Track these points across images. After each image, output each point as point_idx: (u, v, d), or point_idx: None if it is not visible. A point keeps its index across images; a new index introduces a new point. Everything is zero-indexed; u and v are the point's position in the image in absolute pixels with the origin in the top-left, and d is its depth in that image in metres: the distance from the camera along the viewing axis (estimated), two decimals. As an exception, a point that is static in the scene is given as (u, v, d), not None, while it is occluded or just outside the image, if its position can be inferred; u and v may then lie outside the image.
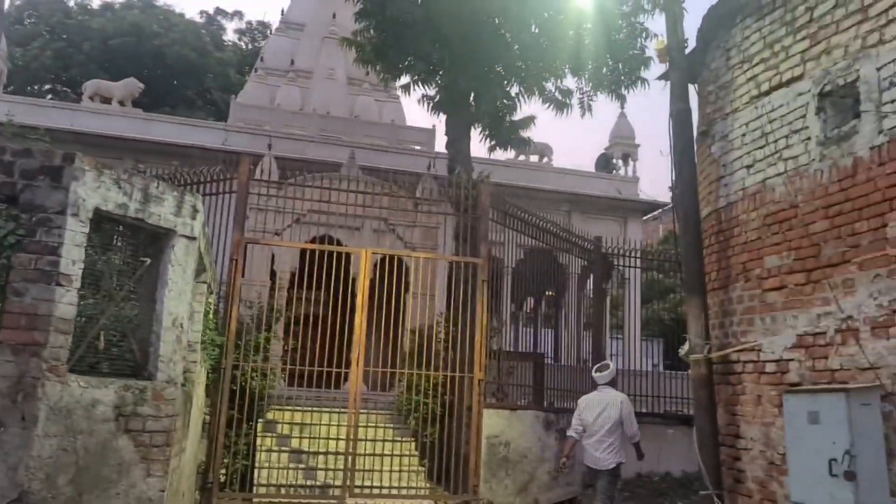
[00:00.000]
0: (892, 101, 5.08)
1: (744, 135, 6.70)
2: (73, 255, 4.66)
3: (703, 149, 7.48)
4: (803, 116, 5.95)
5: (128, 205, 5.05)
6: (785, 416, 5.34)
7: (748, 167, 6.61)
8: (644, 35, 11.82)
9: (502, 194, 11.12)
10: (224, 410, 8.53)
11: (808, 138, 5.87)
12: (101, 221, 4.95)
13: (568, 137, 57.53)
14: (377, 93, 20.02)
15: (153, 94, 25.07)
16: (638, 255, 13.87)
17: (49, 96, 31.31)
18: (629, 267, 13.99)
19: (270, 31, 36.69)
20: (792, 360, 5.82)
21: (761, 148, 6.43)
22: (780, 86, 6.27)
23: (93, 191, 4.81)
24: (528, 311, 21.16)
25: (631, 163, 20.59)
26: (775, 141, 6.26)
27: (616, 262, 14.18)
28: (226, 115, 30.70)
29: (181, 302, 5.44)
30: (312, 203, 10.62)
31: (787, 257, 5.97)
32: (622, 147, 20.24)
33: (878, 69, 5.23)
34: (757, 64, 6.59)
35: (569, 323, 14.74)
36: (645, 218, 20.26)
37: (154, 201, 5.23)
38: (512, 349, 16.20)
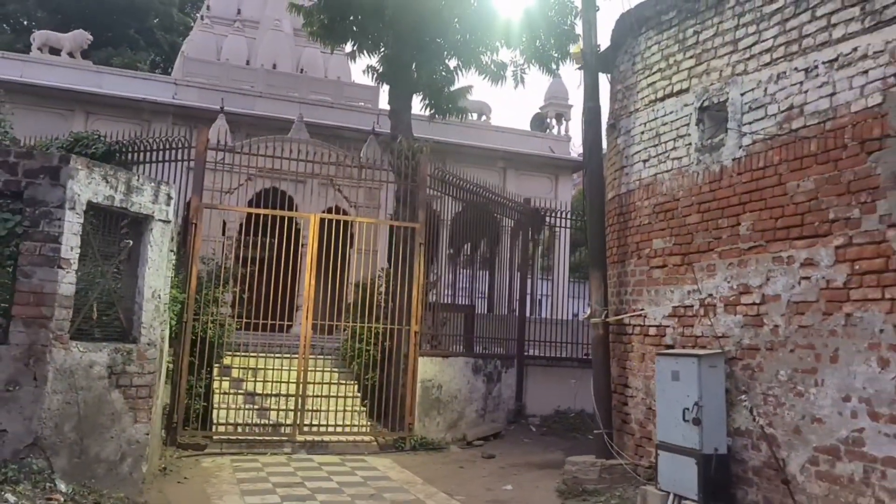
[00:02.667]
0: (750, 123, 6.26)
1: (642, 132, 7.85)
2: (71, 242, 5.57)
3: (612, 140, 8.62)
4: (687, 124, 7.11)
5: (114, 196, 5.94)
6: (656, 373, 6.67)
7: (644, 161, 7.78)
8: (574, 14, 12.74)
9: (441, 160, 12.14)
10: (186, 359, 9.52)
11: (690, 144, 7.04)
12: (93, 211, 5.84)
13: (508, 97, 58.11)
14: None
15: (94, 33, 24.75)
16: (566, 215, 15.14)
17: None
18: (558, 227, 15.21)
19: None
20: (668, 326, 7.13)
21: (655, 146, 7.60)
22: (671, 95, 7.40)
23: (85, 186, 5.69)
24: (466, 255, 22.37)
25: (564, 122, 21.80)
26: (665, 142, 7.43)
27: (547, 219, 15.38)
28: (169, 56, 30.67)
29: (159, 276, 6.40)
30: (263, 164, 11.49)
31: (669, 241, 7.21)
32: (556, 108, 21.36)
33: (742, 94, 6.40)
34: (655, 72, 7.69)
35: (501, 273, 16.03)
36: (575, 174, 21.51)
37: (136, 192, 6.13)
38: (449, 297, 17.53)
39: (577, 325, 15.01)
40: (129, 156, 10.71)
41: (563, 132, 21.82)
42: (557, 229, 16.60)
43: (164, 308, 7.74)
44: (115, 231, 6.28)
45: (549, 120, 21.76)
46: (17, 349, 5.30)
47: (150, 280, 6.27)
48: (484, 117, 21.09)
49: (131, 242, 6.22)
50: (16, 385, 5.26)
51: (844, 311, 5.15)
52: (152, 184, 6.28)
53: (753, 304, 6.03)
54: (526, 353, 13.61)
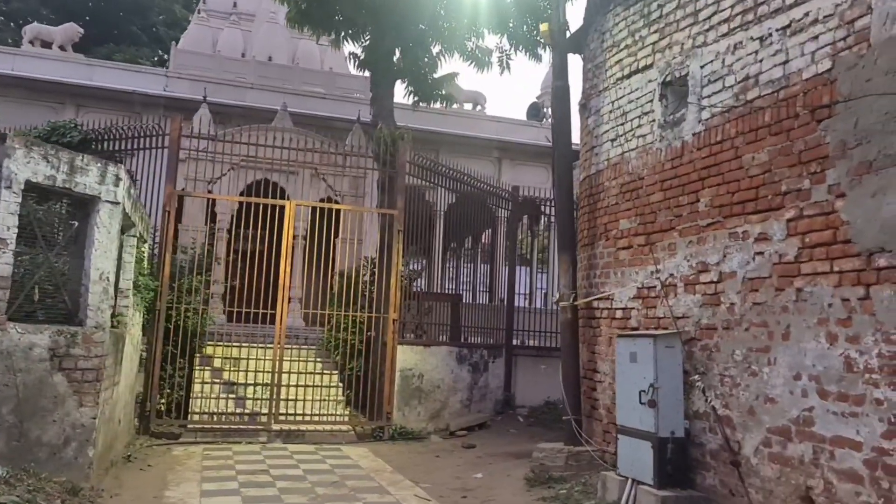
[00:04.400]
0: (710, 96, 6.07)
1: (611, 111, 7.67)
2: (7, 222, 5.48)
3: (584, 120, 8.43)
4: (651, 101, 6.92)
5: (55, 176, 5.85)
6: (616, 355, 6.49)
7: (612, 140, 7.60)
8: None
9: (434, 150, 11.99)
10: (159, 347, 9.45)
11: (654, 121, 6.85)
12: (33, 191, 5.76)
13: (505, 87, 57.88)
14: (318, 37, 20.44)
15: (97, 30, 24.93)
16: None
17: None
18: (554, 216, 15.00)
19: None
20: (633, 308, 6.94)
21: (622, 125, 7.41)
22: (637, 71, 7.21)
23: (24, 165, 5.60)
24: (459, 246, 22.25)
25: (561, 111, 21.38)
26: (631, 120, 7.24)
27: (542, 208, 15.19)
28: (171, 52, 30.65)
29: (107, 259, 6.30)
30: (247, 152, 11.42)
31: (634, 221, 7.02)
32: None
33: (702, 67, 6.20)
34: (622, 49, 7.50)
35: (494, 263, 15.90)
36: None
37: (80, 172, 6.04)
38: (439, 287, 17.41)
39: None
40: (107, 144, 10.67)
41: (560, 121, 21.44)
42: (553, 219, 16.38)
43: (126, 294, 7.70)
44: (67, 213, 6.21)
45: (545, 109, 21.53)
46: (-50, 330, 5.22)
47: (97, 262, 6.18)
48: (479, 107, 20.91)
49: (76, 223, 6.12)
50: (-52, 366, 5.19)
51: (795, 285, 4.95)
52: (98, 164, 6.19)
53: (711, 282, 5.83)
54: (515, 343, 13.44)
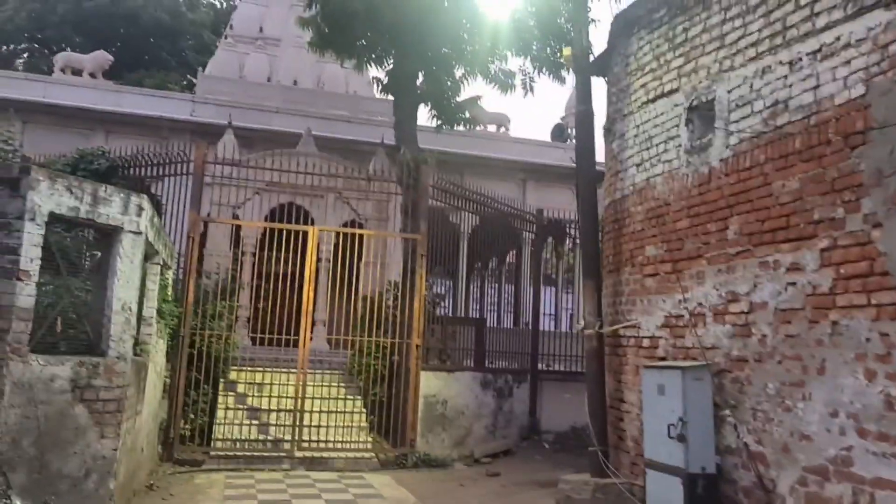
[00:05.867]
0: (737, 121, 5.93)
1: (635, 136, 7.55)
2: (31, 254, 5.48)
3: (608, 144, 8.32)
4: (676, 126, 6.79)
5: (79, 207, 5.85)
6: (642, 387, 6.32)
7: (638, 165, 7.47)
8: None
9: (458, 173, 11.95)
10: (182, 373, 9.45)
11: (680, 146, 6.72)
12: (56, 222, 5.77)
13: (529, 108, 57.85)
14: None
15: (128, 56, 25.38)
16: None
17: (25, 55, 31.48)
18: (578, 239, 14.86)
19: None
20: (661, 337, 6.78)
21: (647, 150, 7.29)
22: (662, 96, 7.09)
23: (47, 197, 5.61)
24: (483, 268, 22.14)
25: (585, 132, 21.25)
26: (657, 144, 7.11)
27: (567, 229, 15.04)
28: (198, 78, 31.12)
29: (129, 288, 6.29)
30: (272, 177, 11.47)
31: (661, 248, 6.87)
32: (576, 117, 20.89)
33: (729, 91, 6.07)
34: (647, 73, 7.39)
35: (518, 285, 15.74)
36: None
37: (103, 203, 6.04)
38: (462, 310, 17.28)
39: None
40: (133, 171, 10.76)
41: (584, 142, 21.32)
42: (578, 241, 16.21)
43: (150, 322, 7.70)
44: (90, 243, 6.23)
45: (569, 130, 21.43)
46: (-27, 363, 5.22)
47: (119, 292, 6.16)
48: (503, 129, 20.86)
49: (99, 254, 6.12)
50: (-30, 399, 5.18)
51: (830, 318, 4.78)
52: (121, 195, 6.19)
53: (741, 312, 5.67)
54: (540, 368, 13.25)
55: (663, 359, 6.65)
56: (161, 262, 8.05)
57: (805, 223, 5.06)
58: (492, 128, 20.61)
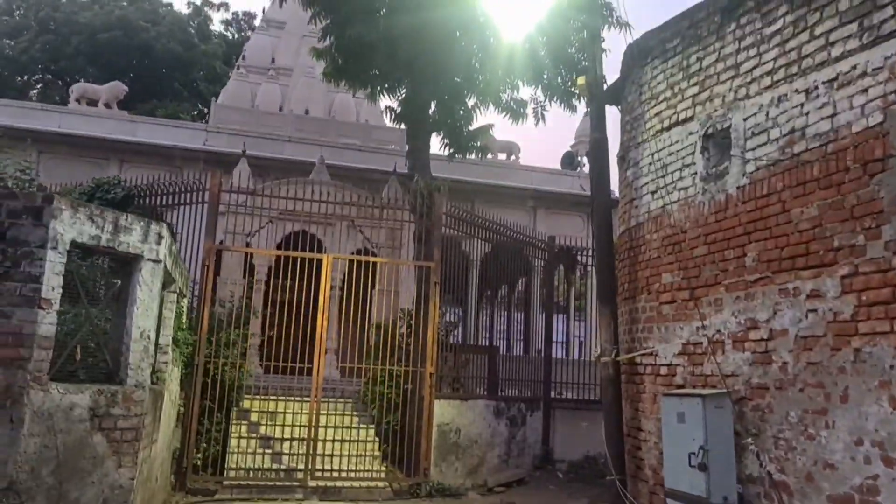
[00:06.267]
0: (754, 149, 5.96)
1: (650, 164, 7.58)
2: (52, 283, 5.52)
3: (622, 172, 8.35)
4: (692, 154, 6.82)
5: (100, 236, 5.90)
6: (662, 415, 6.28)
7: (653, 193, 7.49)
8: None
9: (469, 201, 12.00)
10: (196, 402, 9.43)
11: (695, 173, 6.75)
12: (77, 250, 5.82)
13: (539, 136, 58.22)
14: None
15: (140, 87, 25.73)
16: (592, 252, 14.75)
17: (39, 86, 31.93)
18: (591, 266, 14.85)
19: (255, 19, 37.27)
20: (679, 365, 6.74)
21: (662, 177, 7.31)
22: (676, 124, 7.13)
23: (69, 226, 5.67)
24: (494, 295, 22.12)
25: (595, 160, 21.41)
26: (672, 172, 7.14)
27: (578, 257, 15.04)
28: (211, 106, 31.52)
29: (148, 317, 6.32)
30: (285, 205, 11.55)
31: (678, 275, 6.86)
32: (586, 145, 20.83)
33: (745, 119, 6.11)
34: (661, 101, 7.44)
35: (529, 312, 15.69)
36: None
37: (123, 231, 6.09)
38: (473, 338, 17.24)
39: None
40: (149, 200, 10.85)
41: (594, 170, 21.45)
42: (591, 268, 16.20)
43: (166, 350, 7.72)
44: (107, 271, 6.27)
45: (579, 158, 21.54)
46: (-6, 391, 5.24)
47: (138, 320, 6.19)
48: (513, 157, 20.98)
49: (119, 282, 6.16)
50: (-9, 427, 5.18)
51: (853, 346, 4.75)
52: (141, 223, 6.25)
53: (761, 339, 5.64)
54: (553, 396, 13.18)
55: (681, 386, 6.61)
56: (177, 291, 8.09)
57: (825, 250, 5.06)
58: (502, 156, 20.73)
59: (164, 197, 10.85)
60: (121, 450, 5.90)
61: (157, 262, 6.40)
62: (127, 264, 6.27)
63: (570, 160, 21.66)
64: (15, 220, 5.50)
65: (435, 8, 10.34)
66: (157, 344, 7.10)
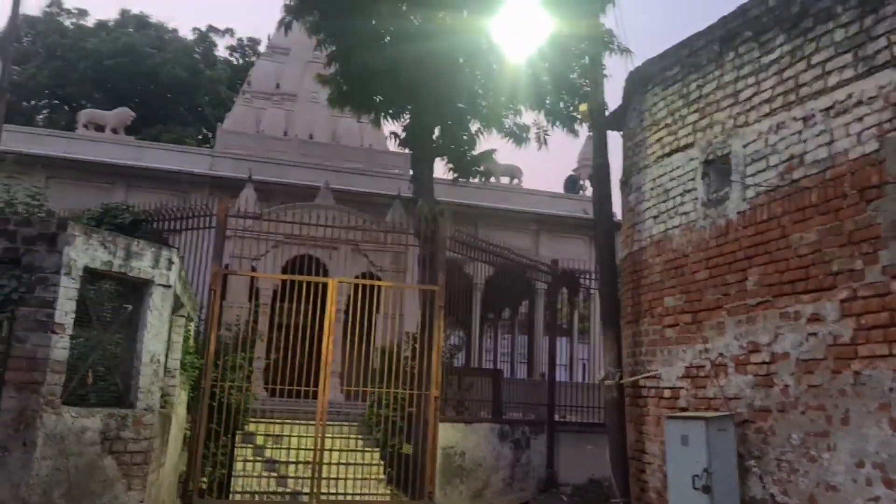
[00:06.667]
0: (754, 175, 6.08)
1: (652, 189, 7.70)
2: (65, 308, 5.63)
3: (625, 197, 8.47)
4: (693, 179, 6.94)
5: (112, 262, 6.02)
6: (665, 437, 6.34)
7: (654, 217, 7.60)
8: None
9: (472, 224, 12.12)
10: (203, 426, 9.47)
11: (697, 198, 6.86)
12: (89, 275, 5.93)
13: (540, 159, 58.66)
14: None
15: (146, 111, 26.01)
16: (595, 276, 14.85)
17: (45, 111, 32.26)
18: (593, 289, 14.95)
19: (259, 45, 37.72)
20: (682, 387, 6.81)
21: (664, 202, 7.43)
22: (678, 150, 7.26)
23: (82, 252, 5.79)
24: (497, 318, 22.16)
25: (597, 183, 21.62)
26: (674, 197, 7.25)
27: (581, 280, 15.14)
28: (216, 131, 31.86)
29: (158, 341, 6.42)
30: (291, 229, 11.68)
31: (680, 299, 6.95)
32: (588, 169, 21.15)
33: (745, 146, 6.24)
34: (662, 128, 7.58)
35: (532, 336, 15.78)
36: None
37: (135, 257, 6.21)
38: (476, 360, 17.28)
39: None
40: (156, 224, 10.98)
41: (596, 193, 21.66)
42: (593, 291, 16.29)
43: (174, 373, 7.80)
44: (118, 295, 6.37)
45: (582, 181, 21.71)
46: (8, 414, 5.32)
47: (149, 344, 6.29)
48: (516, 180, 21.15)
49: (130, 307, 6.27)
50: (4, 451, 5.26)
51: (853, 369, 4.84)
52: (152, 249, 6.37)
53: (763, 362, 5.72)
54: (557, 419, 13.20)
55: (685, 409, 6.67)
56: (185, 315, 8.19)
57: (824, 274, 5.16)
58: (504, 179, 20.90)
59: (172, 222, 10.97)
60: (130, 472, 5.97)
61: (167, 287, 6.51)
62: (137, 289, 6.38)
63: (572, 184, 21.82)
64: (30, 246, 5.63)
65: (439, 37, 10.52)
66: (166, 367, 7.18)
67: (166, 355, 7.05)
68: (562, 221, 20.03)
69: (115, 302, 6.36)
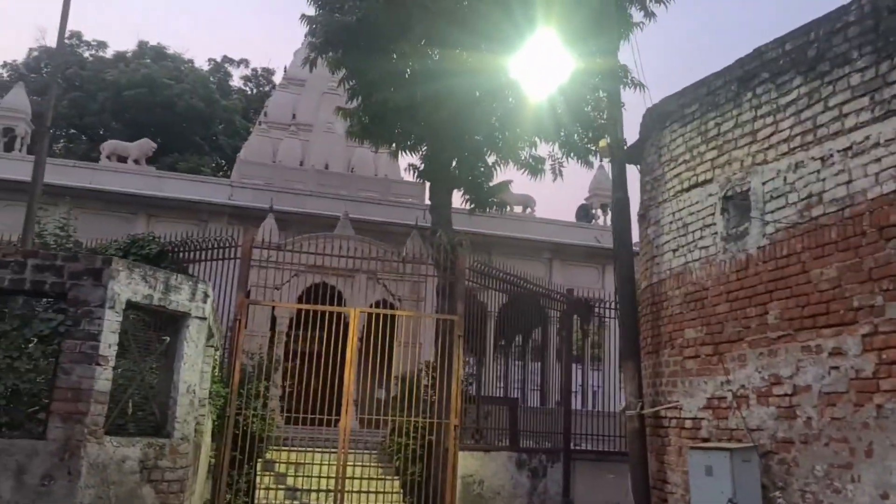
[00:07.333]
0: (773, 211, 6.26)
1: (671, 222, 7.88)
2: (109, 340, 5.84)
3: (643, 230, 8.66)
4: (712, 214, 7.13)
5: (153, 295, 6.24)
6: (689, 468, 6.46)
7: (674, 251, 7.77)
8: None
9: (486, 253, 12.31)
10: (227, 454, 9.63)
11: (716, 233, 7.04)
12: (130, 309, 6.15)
13: (553, 188, 59.09)
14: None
15: (163, 140, 26.45)
16: (615, 305, 15.00)
17: (62, 141, 32.80)
18: (607, 317, 15.08)
19: (273, 75, 38.35)
20: (703, 418, 6.94)
21: (683, 236, 7.60)
22: (696, 185, 7.45)
23: (125, 286, 6.01)
24: (509, 346, 22.26)
25: (609, 212, 21.94)
26: (693, 231, 7.43)
27: (594, 308, 15.27)
28: (231, 160, 32.35)
29: (194, 372, 6.62)
30: (313, 260, 11.91)
31: (701, 331, 7.10)
32: (601, 198, 21.61)
33: (763, 183, 6.43)
34: (680, 164, 7.78)
35: (547, 364, 15.89)
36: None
37: (173, 290, 6.43)
38: (496, 389, 17.39)
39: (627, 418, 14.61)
40: (181, 255, 11.23)
41: (608, 222, 21.95)
42: (606, 319, 16.42)
43: (203, 402, 7.98)
44: (155, 327, 6.58)
45: (594, 210, 21.95)
46: (54, 444, 5.52)
47: (185, 375, 6.49)
48: (529, 209, 21.43)
49: (168, 339, 6.47)
50: (50, 479, 5.44)
51: (875, 402, 4.98)
52: (190, 282, 6.59)
53: (785, 395, 5.86)
54: (574, 447, 13.27)
55: (706, 440, 6.80)
56: (213, 345, 8.39)
57: (845, 310, 5.32)
58: (517, 208, 21.18)
59: (197, 252, 11.22)
60: (167, 501, 6.14)
61: (202, 319, 6.72)
62: (174, 321, 6.59)
63: (584, 213, 22.08)
64: (76, 281, 5.86)
65: (459, 75, 10.83)
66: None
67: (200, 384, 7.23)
68: (574, 250, 20.24)
69: (151, 333, 6.57)
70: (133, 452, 5.96)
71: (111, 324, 5.85)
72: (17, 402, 6.01)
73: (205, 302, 6.72)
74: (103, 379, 5.76)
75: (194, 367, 6.62)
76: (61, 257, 5.93)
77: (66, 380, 5.64)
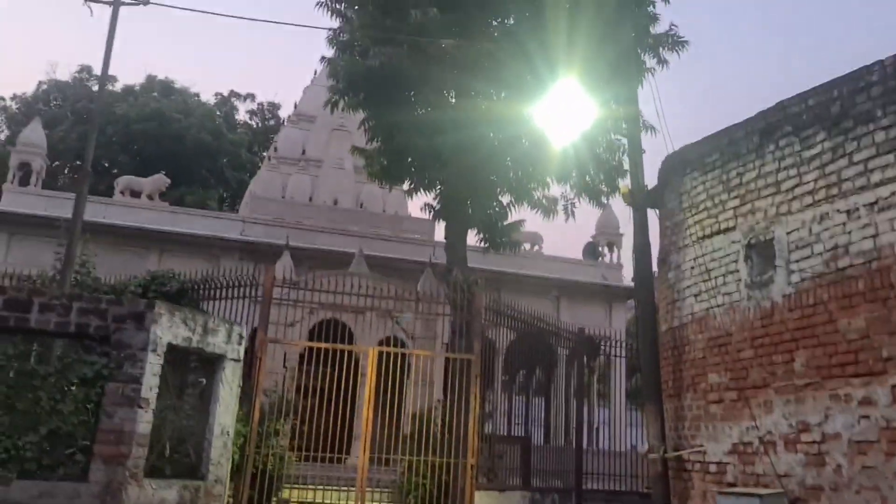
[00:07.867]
0: (798, 261, 6.43)
1: (692, 268, 8.04)
2: (151, 383, 5.95)
3: (662, 274, 8.81)
4: (735, 261, 7.29)
5: (191, 338, 6.36)
6: (718, 513, 6.54)
7: (696, 296, 7.92)
8: (622, 151, 13.31)
9: (496, 290, 12.45)
10: (246, 493, 9.64)
11: (739, 280, 7.19)
12: (170, 352, 6.26)
13: (559, 226, 59.43)
14: (382, 181, 21.72)
15: (171, 174, 26.65)
16: (621, 342, 15.15)
17: (66, 171, 32.99)
18: (614, 355, 15.19)
19: (279, 109, 38.80)
20: (729, 463, 7.02)
21: (705, 281, 7.76)
22: (718, 232, 7.62)
23: (167, 329, 6.13)
24: (521, 384, 22.26)
25: (616, 251, 22.22)
26: (715, 277, 7.58)
27: (602, 346, 15.38)
28: (236, 193, 32.60)
29: (228, 413, 6.71)
30: (328, 298, 11.99)
31: (724, 376, 7.22)
32: (607, 236, 21.85)
33: (788, 233, 6.60)
34: (702, 211, 7.96)
35: (557, 402, 15.92)
36: (629, 301, 21.61)
37: (211, 333, 6.55)
38: (505, 427, 17.38)
39: (636, 457, 14.67)
40: (200, 292, 11.33)
41: (615, 260, 22.20)
42: (613, 357, 16.52)
43: (230, 442, 8.04)
44: (190, 369, 6.68)
45: (601, 248, 22.17)
46: (96, 486, 5.59)
47: (220, 417, 6.58)
48: (536, 247, 21.63)
49: (204, 381, 6.57)
50: (92, 522, 5.51)
51: (907, 452, 5.09)
52: (226, 325, 6.71)
53: (814, 441, 5.96)
54: (584, 487, 13.27)
55: (732, 485, 6.87)
56: (239, 384, 8.47)
57: (874, 360, 5.45)
58: (526, 246, 21.37)
59: (217, 290, 11.34)
60: (202, 543, 6.18)
61: (237, 361, 6.84)
62: (210, 363, 6.69)
63: (591, 250, 22.29)
64: (120, 324, 5.98)
65: (479, 123, 11.06)
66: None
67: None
68: (582, 288, 20.40)
69: (187, 375, 6.67)
70: (170, 495, 6.03)
71: (153, 367, 5.96)
72: (56, 444, 6.08)
73: (239, 344, 6.84)
74: (144, 422, 5.85)
75: (229, 409, 6.72)
76: (105, 300, 6.06)
77: (109, 423, 5.73)
